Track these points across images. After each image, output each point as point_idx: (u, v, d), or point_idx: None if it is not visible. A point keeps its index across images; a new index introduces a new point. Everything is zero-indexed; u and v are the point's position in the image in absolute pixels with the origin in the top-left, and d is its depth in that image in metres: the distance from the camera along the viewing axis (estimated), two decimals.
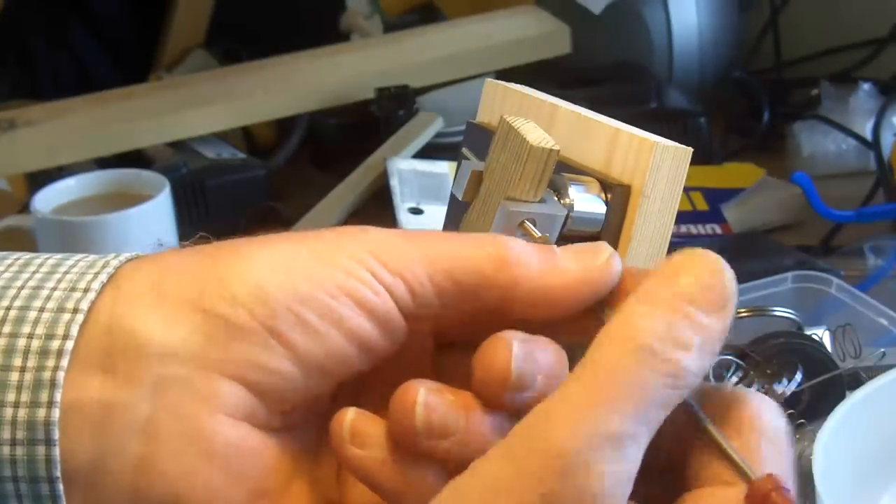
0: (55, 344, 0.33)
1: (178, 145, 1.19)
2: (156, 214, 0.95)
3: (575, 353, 0.32)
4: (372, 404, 0.37)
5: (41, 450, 0.32)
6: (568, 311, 0.35)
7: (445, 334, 0.38)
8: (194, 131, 1.17)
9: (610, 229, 0.39)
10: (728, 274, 0.31)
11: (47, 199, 0.96)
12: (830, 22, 1.31)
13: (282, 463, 0.35)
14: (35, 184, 1.06)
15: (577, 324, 0.35)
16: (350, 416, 0.34)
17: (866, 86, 1.17)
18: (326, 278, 0.34)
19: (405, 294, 0.34)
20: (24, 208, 1.04)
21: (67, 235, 0.92)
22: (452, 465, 0.34)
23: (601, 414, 0.29)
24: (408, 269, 0.34)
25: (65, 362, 0.32)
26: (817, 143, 1.15)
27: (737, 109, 1.26)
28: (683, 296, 0.31)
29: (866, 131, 1.11)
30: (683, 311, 0.31)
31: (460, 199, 0.40)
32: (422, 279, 0.34)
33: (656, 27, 1.26)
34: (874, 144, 1.05)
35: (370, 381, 0.37)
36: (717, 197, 1.07)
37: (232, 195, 1.11)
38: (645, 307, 0.31)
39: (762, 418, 0.32)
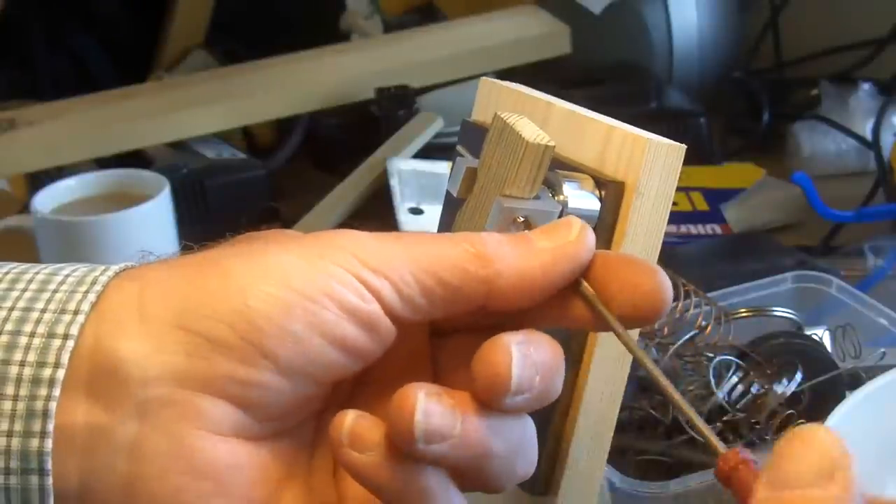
0: (46, 372, 0.33)
1: (178, 145, 1.18)
2: (156, 214, 0.94)
3: (568, 343, 0.32)
4: (370, 400, 0.37)
5: (34, 479, 0.33)
6: (551, 289, 0.36)
7: (440, 326, 0.38)
8: (194, 131, 1.17)
9: (604, 226, 0.39)
10: None
11: (47, 199, 0.95)
12: (830, 22, 1.30)
13: (273, 471, 0.35)
14: (35, 184, 1.05)
15: (562, 307, 0.36)
16: (349, 421, 0.34)
17: (866, 86, 1.17)
18: (310, 285, 0.34)
19: (392, 295, 0.34)
20: (24, 208, 1.04)
21: (67, 235, 0.92)
22: (450, 466, 0.34)
23: None
24: (392, 270, 0.34)
25: (56, 392, 0.33)
26: (817, 143, 1.15)
27: (737, 109, 1.26)
28: None
29: (866, 131, 1.11)
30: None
31: (455, 195, 0.40)
32: (407, 279, 0.34)
33: (656, 27, 1.26)
34: (874, 144, 1.05)
35: (367, 378, 0.37)
36: (717, 197, 1.07)
37: (232, 195, 1.11)
38: None
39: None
